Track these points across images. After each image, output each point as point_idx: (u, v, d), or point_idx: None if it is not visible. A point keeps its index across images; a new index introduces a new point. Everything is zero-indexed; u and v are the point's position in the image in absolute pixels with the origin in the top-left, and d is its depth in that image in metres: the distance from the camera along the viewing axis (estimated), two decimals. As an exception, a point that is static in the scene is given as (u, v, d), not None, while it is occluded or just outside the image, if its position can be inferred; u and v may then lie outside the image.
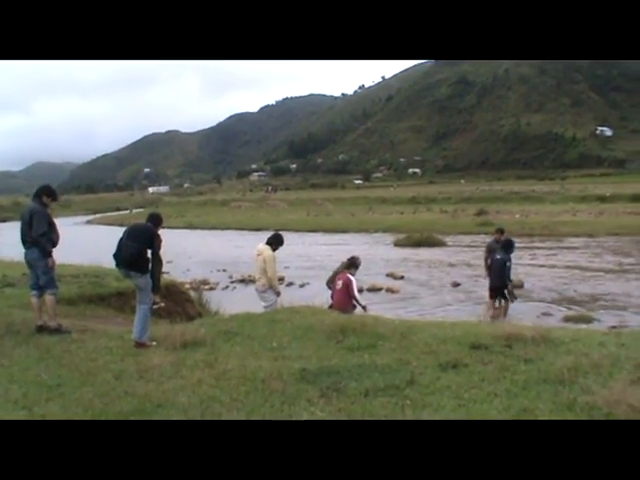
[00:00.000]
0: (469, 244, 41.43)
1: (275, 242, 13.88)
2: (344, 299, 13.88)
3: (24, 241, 10.84)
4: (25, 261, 11.03)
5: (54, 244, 10.79)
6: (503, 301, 17.68)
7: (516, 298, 18.52)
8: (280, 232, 14.87)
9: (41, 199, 10.82)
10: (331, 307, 13.83)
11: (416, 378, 7.07)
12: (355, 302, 13.97)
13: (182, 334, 9.49)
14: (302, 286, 26.21)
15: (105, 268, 16.39)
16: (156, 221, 10.33)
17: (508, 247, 17.51)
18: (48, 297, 10.78)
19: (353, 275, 14.29)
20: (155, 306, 10.71)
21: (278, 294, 13.75)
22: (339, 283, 14.11)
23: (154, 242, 9.84)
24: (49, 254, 10.67)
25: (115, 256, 9.92)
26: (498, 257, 17.22)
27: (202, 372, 7.82)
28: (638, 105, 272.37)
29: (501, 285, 17.30)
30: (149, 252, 9.85)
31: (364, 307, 13.88)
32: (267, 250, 13.66)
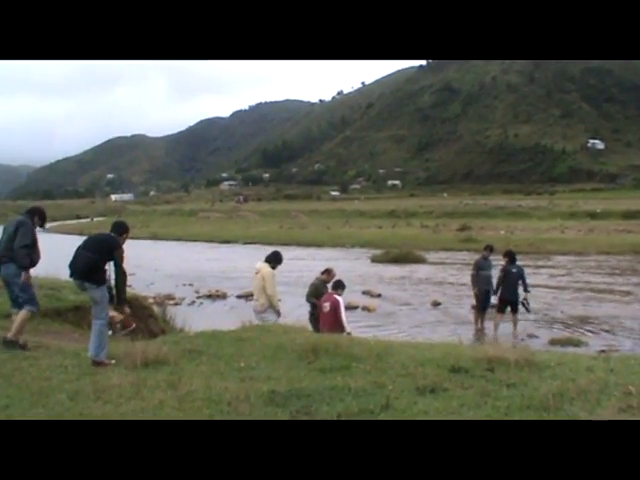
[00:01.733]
0: (451, 261, 41.58)
1: (274, 260, 14.02)
2: (333, 322, 13.93)
3: (1, 256, 10.75)
4: (0, 277, 11.02)
5: (33, 263, 10.72)
6: (511, 314, 19.60)
7: (529, 312, 20.50)
8: (278, 250, 14.94)
9: (33, 217, 10.78)
10: (318, 330, 13.85)
11: (392, 403, 7.05)
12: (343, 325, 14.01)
13: (143, 352, 9.39)
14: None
15: (62, 280, 16.24)
16: (120, 229, 10.21)
17: (515, 258, 19.62)
18: (22, 311, 10.67)
19: (340, 296, 14.38)
20: (126, 330, 10.67)
21: (278, 313, 13.81)
22: (326, 305, 14.17)
23: (115, 253, 9.77)
24: (25, 269, 10.58)
25: (70, 266, 9.83)
26: (514, 270, 19.15)
27: (164, 393, 7.74)
28: (632, 117, 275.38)
29: (516, 299, 19.15)
30: (107, 263, 9.78)
31: (349, 333, 13.91)
32: (266, 267, 13.78)
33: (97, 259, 9.67)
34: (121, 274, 9.82)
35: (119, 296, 9.89)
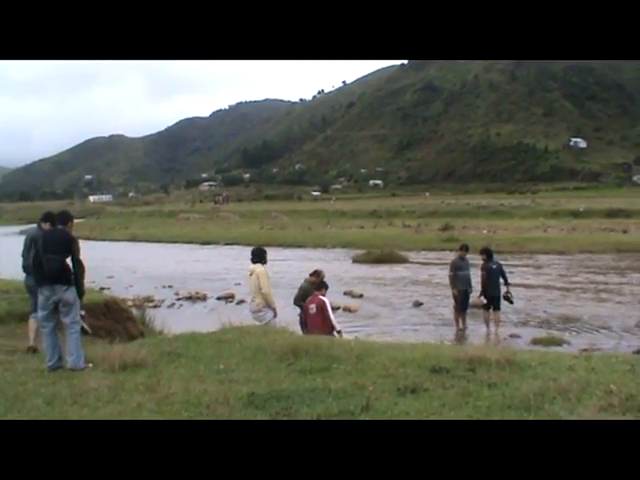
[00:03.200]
0: (433, 261, 41.66)
1: (261, 256, 14.03)
2: (322, 323, 13.92)
3: (25, 266, 11.22)
4: (25, 285, 11.71)
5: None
6: (492, 312, 19.51)
7: (513, 303, 20.65)
8: (263, 247, 14.91)
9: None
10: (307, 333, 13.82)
11: (372, 403, 7.05)
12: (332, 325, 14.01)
13: (121, 355, 9.37)
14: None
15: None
16: (65, 219, 10.22)
17: (492, 255, 19.69)
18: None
19: (324, 296, 14.36)
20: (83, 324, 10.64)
21: (275, 312, 13.79)
22: (312, 307, 14.15)
23: (72, 248, 9.72)
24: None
25: (36, 273, 9.78)
26: (494, 267, 19.14)
27: (142, 396, 7.73)
28: (614, 115, 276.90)
29: (498, 294, 19.19)
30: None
31: (339, 332, 13.92)
32: (259, 267, 13.77)
33: (62, 260, 9.62)
34: (80, 267, 9.77)
35: (78, 290, 9.83)
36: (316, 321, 14.01)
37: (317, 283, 15.04)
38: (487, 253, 20.08)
